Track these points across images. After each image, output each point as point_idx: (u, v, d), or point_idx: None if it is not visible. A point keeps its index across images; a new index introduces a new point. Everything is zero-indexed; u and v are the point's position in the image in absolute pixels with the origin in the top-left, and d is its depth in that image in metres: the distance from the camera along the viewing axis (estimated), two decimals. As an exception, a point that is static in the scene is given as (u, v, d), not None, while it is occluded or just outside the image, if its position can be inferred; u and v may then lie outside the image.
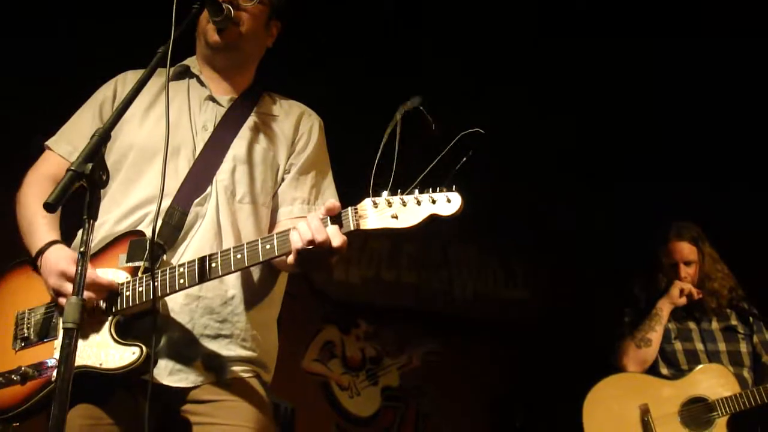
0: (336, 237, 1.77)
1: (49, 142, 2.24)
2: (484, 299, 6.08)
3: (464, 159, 1.71)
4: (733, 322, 3.62)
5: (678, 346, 3.59)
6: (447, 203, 1.75)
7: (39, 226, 2.05)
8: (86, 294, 1.85)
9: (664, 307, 3.61)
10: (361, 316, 5.78)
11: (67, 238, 2.10)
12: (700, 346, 3.57)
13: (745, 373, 3.51)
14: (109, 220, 2.08)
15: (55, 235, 2.05)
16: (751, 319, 3.63)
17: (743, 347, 3.56)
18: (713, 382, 3.40)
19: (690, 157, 4.74)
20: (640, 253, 3.92)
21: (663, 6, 3.93)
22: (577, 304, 5.41)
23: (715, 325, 3.63)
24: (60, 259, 1.94)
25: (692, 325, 3.64)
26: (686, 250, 3.70)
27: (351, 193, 1.91)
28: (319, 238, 1.76)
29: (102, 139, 1.61)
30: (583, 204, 5.28)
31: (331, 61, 4.15)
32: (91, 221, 1.55)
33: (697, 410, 3.40)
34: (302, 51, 3.76)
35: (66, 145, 2.21)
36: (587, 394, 3.58)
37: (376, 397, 5.68)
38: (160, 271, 1.89)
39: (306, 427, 5.19)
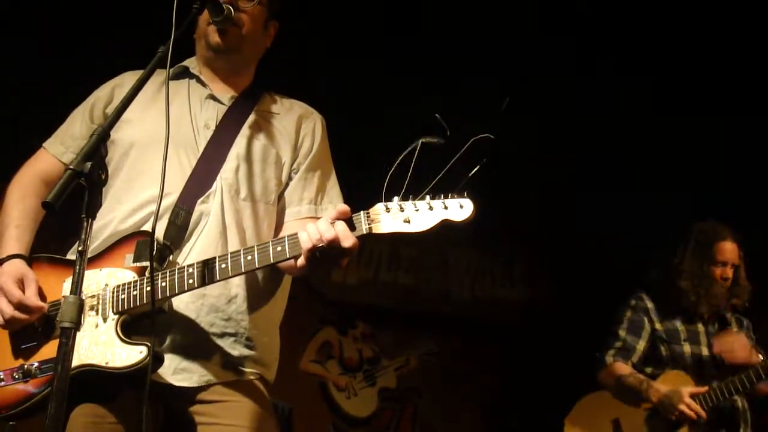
0: (347, 238, 1.77)
1: (46, 142, 2.29)
2: (482, 300, 6.08)
3: (478, 167, 1.73)
4: (734, 326, 3.61)
5: (687, 348, 3.56)
6: (459, 209, 1.76)
7: (8, 237, 2.10)
8: (13, 314, 1.93)
9: (656, 398, 3.40)
10: (358, 317, 5.79)
11: (63, 237, 2.11)
12: (705, 351, 3.55)
13: None
14: (114, 220, 2.08)
15: (19, 247, 2.09)
16: (744, 320, 3.64)
17: None
18: (674, 388, 3.40)
19: (692, 159, 4.74)
20: (640, 255, 3.89)
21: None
22: (576, 306, 5.40)
23: (718, 327, 3.62)
24: (3, 273, 2.00)
25: (701, 328, 3.61)
26: (736, 252, 3.61)
27: (351, 194, 1.91)
28: (328, 236, 1.76)
29: (101, 138, 1.61)
30: (582, 206, 5.28)
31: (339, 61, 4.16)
32: (90, 220, 1.55)
33: (662, 418, 3.41)
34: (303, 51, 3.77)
35: (59, 146, 2.26)
36: (568, 415, 3.71)
37: (374, 398, 5.69)
38: (168, 271, 1.89)
39: (303, 428, 5.19)
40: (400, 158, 1.76)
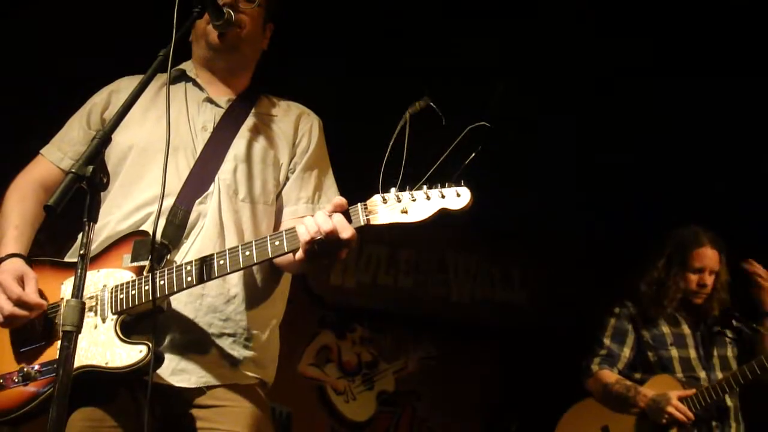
0: (345, 229, 1.76)
1: (43, 149, 2.30)
2: (482, 303, 6.08)
3: (473, 155, 1.72)
4: (723, 327, 3.61)
5: (674, 353, 3.57)
6: (456, 197, 1.74)
7: (8, 238, 2.11)
8: (13, 310, 1.93)
9: (644, 403, 3.41)
10: (357, 320, 5.78)
11: (66, 239, 2.11)
12: (693, 353, 3.55)
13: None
14: (112, 221, 2.08)
15: (18, 248, 2.10)
16: (734, 322, 3.63)
17: (729, 352, 3.56)
18: (662, 392, 3.40)
19: (690, 159, 4.75)
20: (639, 258, 3.89)
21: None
22: (575, 308, 5.41)
23: (705, 329, 3.62)
24: (3, 271, 2.00)
25: (686, 330, 3.62)
26: (715, 258, 3.56)
27: (351, 192, 1.92)
28: (325, 227, 1.75)
29: (102, 141, 1.61)
30: (582, 208, 5.29)
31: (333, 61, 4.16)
32: (91, 224, 1.55)
33: (651, 423, 3.41)
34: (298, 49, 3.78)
35: (56, 152, 2.27)
36: (557, 425, 3.74)
37: (372, 401, 5.68)
38: (166, 269, 1.90)
39: (302, 432, 5.19)
40: (393, 137, 1.75)
